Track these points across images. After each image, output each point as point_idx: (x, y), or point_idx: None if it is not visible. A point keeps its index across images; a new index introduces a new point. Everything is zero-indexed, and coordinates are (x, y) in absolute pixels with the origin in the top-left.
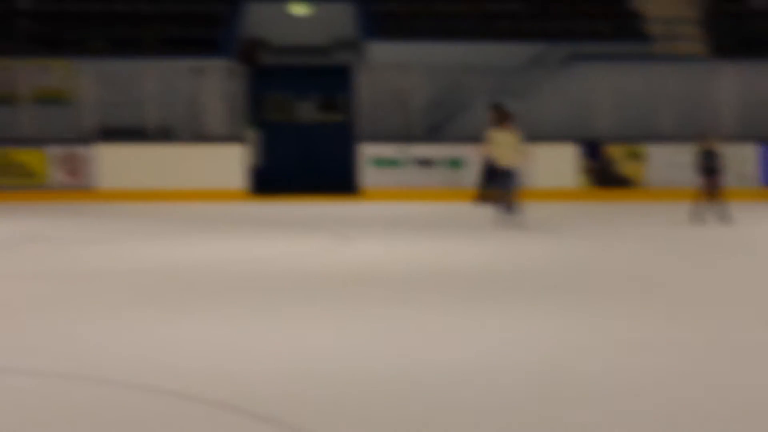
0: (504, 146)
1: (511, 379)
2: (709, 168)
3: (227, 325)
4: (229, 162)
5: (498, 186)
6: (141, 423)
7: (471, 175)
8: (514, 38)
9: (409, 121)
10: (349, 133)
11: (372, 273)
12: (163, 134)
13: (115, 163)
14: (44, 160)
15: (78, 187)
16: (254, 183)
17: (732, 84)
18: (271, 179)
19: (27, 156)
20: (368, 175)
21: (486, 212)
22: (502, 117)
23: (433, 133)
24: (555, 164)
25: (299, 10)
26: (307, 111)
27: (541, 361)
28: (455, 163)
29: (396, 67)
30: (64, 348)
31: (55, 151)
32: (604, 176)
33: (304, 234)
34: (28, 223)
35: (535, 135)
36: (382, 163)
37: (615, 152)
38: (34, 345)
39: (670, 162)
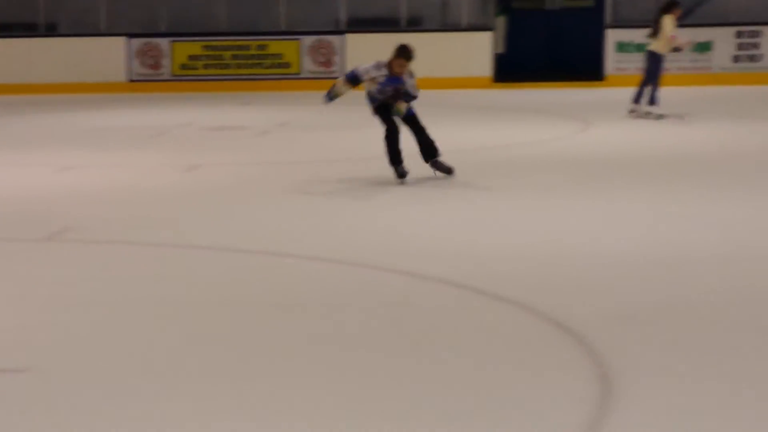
0: None
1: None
2: None
3: (470, 209)
4: (476, 50)
5: None
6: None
7: (718, 58)
8: None
9: (656, 4)
10: (598, 18)
11: (610, 159)
12: (413, 23)
13: (364, 52)
14: (298, 50)
15: (328, 75)
16: (499, 71)
17: None
18: (517, 67)
19: (282, 46)
20: (615, 61)
21: (733, 97)
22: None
23: (681, 18)
24: None
25: None
26: None
27: None
28: (703, 47)
29: None
30: (318, 232)
31: (308, 41)
32: None
33: (547, 121)
34: (282, 110)
35: None
36: (629, 48)
37: None
38: (289, 228)
39: None
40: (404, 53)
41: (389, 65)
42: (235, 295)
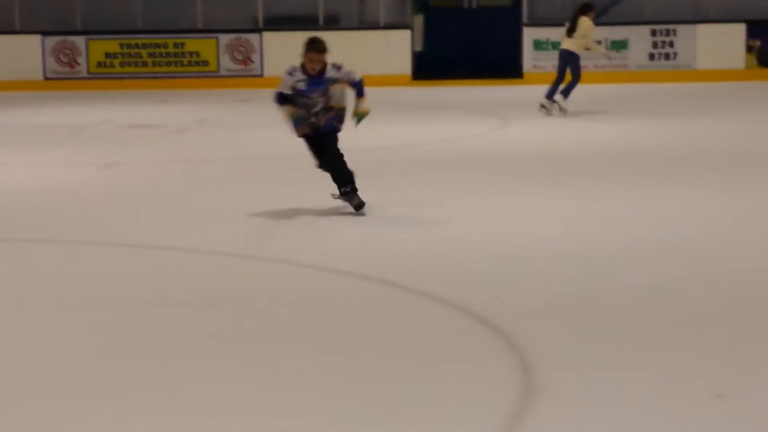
0: None
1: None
2: None
3: (390, 206)
4: (395, 48)
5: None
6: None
7: (634, 56)
8: None
9: (574, 3)
10: (515, 17)
11: (529, 155)
12: (331, 22)
13: (282, 50)
14: (215, 48)
15: (246, 74)
16: (418, 68)
17: None
18: (436, 64)
19: (200, 44)
20: (532, 58)
21: (649, 94)
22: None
23: (598, 16)
24: (723, 45)
25: None
26: None
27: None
28: (620, 45)
29: None
30: (237, 230)
31: (226, 39)
32: None
33: (465, 118)
34: (199, 108)
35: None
36: (546, 46)
37: None
38: (207, 226)
39: None
40: (311, 45)
41: (302, 66)
42: (152, 292)
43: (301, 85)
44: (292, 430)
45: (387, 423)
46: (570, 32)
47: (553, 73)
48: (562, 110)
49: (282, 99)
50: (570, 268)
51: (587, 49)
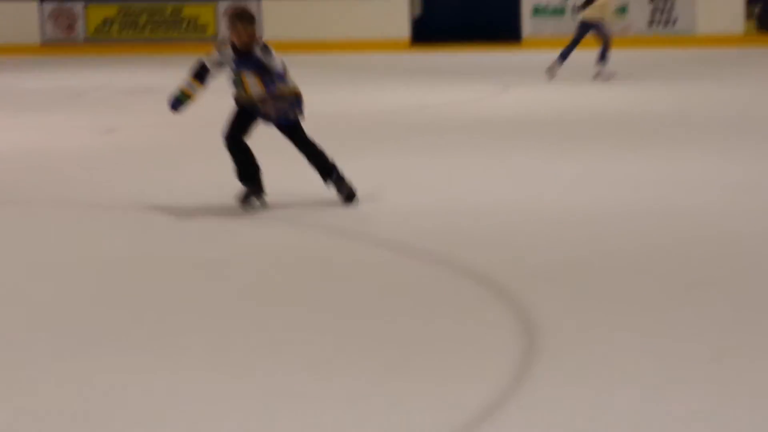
0: None
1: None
2: None
3: (389, 167)
4: (393, 13)
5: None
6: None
7: (634, 22)
8: None
9: None
10: None
11: (528, 119)
12: None
13: (280, 16)
14: (214, 13)
15: None
16: (417, 33)
17: None
18: (434, 29)
19: (198, 10)
20: (532, 24)
21: (648, 60)
22: None
23: None
24: (722, 10)
25: None
26: None
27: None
28: (620, 10)
29: None
30: (231, 191)
31: (225, 4)
32: None
33: (464, 83)
34: None
35: None
36: (546, 11)
37: None
38: (207, 188)
39: None
40: (234, 14)
41: (232, 43)
42: (154, 254)
43: (231, 63)
44: (296, 392)
45: (387, 384)
46: (587, 3)
47: (552, 40)
48: (611, 75)
49: (200, 69)
50: (571, 231)
51: (603, 20)
